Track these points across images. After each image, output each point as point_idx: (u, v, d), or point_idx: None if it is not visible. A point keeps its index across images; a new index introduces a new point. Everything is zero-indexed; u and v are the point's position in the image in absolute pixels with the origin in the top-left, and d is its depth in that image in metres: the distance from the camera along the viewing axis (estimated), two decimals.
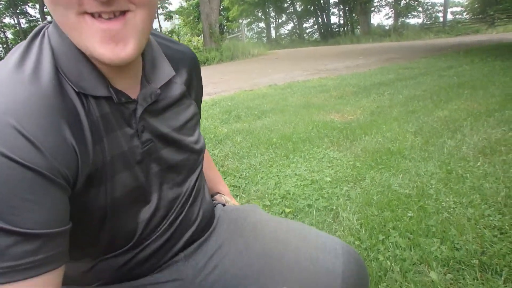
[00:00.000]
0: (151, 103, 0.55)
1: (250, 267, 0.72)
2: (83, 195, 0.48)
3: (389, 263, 1.25)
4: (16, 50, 0.47)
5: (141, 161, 0.55)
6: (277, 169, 2.24)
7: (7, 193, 0.38)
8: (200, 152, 0.67)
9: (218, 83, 7.12)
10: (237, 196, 1.94)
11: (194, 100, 0.66)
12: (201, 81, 0.71)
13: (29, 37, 0.49)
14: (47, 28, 0.50)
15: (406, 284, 1.14)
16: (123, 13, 0.43)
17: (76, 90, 0.46)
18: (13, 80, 0.42)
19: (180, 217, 0.65)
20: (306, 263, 0.71)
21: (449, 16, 27.86)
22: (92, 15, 0.42)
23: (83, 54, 0.47)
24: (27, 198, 0.39)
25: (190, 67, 0.65)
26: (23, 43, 0.48)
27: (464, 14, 29.50)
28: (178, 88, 0.61)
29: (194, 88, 0.66)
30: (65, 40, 0.47)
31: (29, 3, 21.72)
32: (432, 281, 1.14)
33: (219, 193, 0.94)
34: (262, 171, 2.23)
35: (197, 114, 0.68)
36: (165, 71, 0.58)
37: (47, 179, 0.41)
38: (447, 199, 1.66)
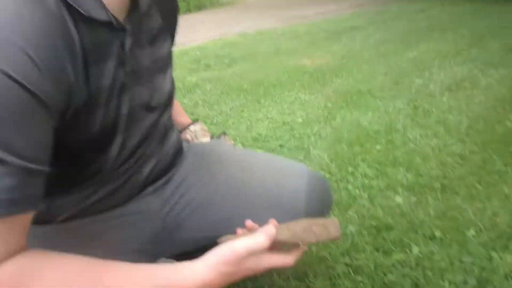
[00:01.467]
0: (137, 33, 0.54)
1: (216, 194, 0.75)
2: (68, 127, 0.47)
3: (357, 191, 1.29)
4: None
5: (121, 93, 0.54)
6: (249, 114, 2.22)
7: (5, 115, 0.37)
8: (171, 91, 0.66)
9: (186, 33, 6.78)
10: None
11: (170, 33, 0.66)
12: (178, 14, 0.70)
13: None
14: None
15: (373, 208, 1.19)
16: None
17: (85, 14, 0.44)
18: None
19: (148, 153, 0.65)
20: (271, 186, 0.74)
21: None
22: None
23: None
24: (21, 121, 0.38)
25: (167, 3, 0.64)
26: None
27: None
28: (156, 21, 0.60)
29: (170, 22, 0.66)
30: None
31: None
32: (398, 204, 1.20)
33: (186, 129, 0.93)
34: (234, 117, 2.19)
35: (171, 53, 0.67)
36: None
37: (42, 104, 0.39)
38: (414, 132, 1.71)
